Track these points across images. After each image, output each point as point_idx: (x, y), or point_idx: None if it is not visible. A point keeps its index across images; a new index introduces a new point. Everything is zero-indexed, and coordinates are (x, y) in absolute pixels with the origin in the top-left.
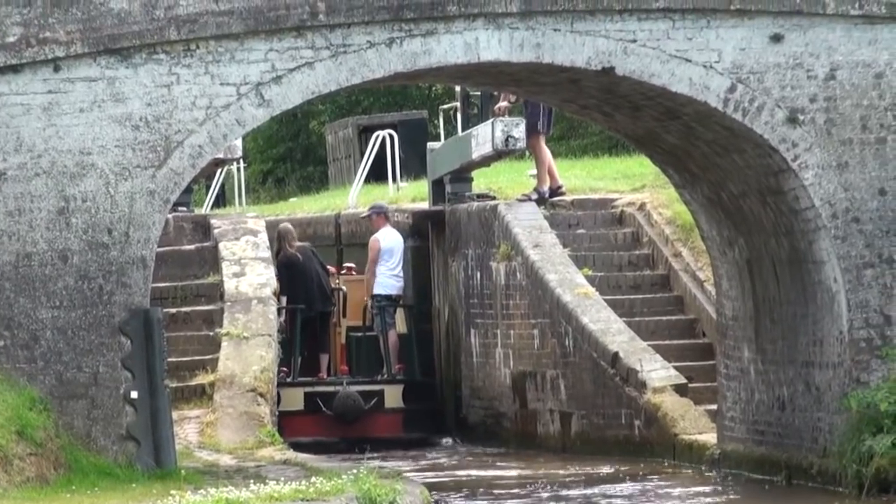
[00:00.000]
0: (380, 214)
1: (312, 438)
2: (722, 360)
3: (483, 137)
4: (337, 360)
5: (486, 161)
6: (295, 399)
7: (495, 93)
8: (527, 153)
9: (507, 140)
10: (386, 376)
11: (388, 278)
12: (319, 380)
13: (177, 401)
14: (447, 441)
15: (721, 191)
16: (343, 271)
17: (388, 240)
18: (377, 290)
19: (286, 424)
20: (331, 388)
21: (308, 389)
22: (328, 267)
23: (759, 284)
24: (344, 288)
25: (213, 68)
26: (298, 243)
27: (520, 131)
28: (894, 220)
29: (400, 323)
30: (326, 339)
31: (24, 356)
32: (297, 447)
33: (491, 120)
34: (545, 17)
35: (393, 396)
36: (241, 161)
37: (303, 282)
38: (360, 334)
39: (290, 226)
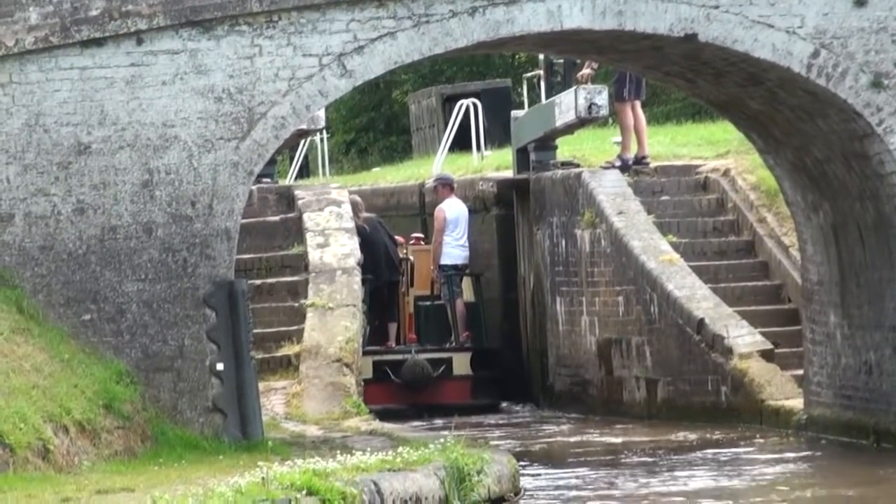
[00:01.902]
0: (445, 185)
1: (381, 406)
2: (808, 325)
3: (566, 105)
4: (405, 328)
5: (569, 129)
6: (364, 367)
7: (578, 60)
8: (610, 120)
9: (589, 107)
10: (454, 344)
11: (454, 248)
12: (388, 348)
13: (263, 372)
14: (520, 407)
15: (805, 156)
16: (411, 241)
17: (453, 210)
18: (444, 260)
19: None
20: (399, 357)
21: (377, 358)
22: (396, 237)
23: (844, 249)
24: (412, 258)
25: (295, 39)
26: (366, 214)
27: (602, 98)
28: None
29: (467, 291)
30: (395, 308)
31: (110, 329)
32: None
33: (574, 87)
34: None
35: (461, 364)
36: (325, 132)
37: (371, 252)
38: (427, 303)
39: (357, 197)
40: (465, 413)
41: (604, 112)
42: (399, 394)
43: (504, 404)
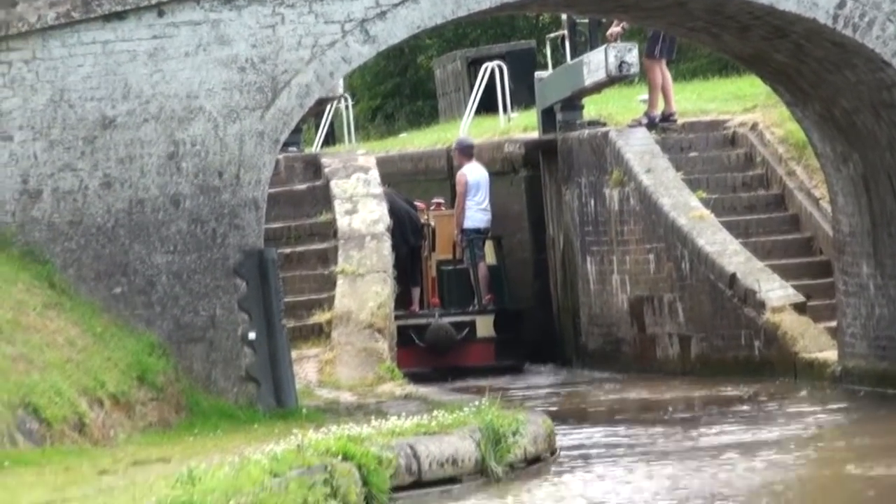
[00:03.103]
0: (461, 153)
1: (406, 370)
2: (840, 276)
3: (596, 64)
4: (428, 293)
5: (598, 87)
6: None
7: (603, 20)
8: (636, 78)
9: (620, 66)
10: (477, 307)
11: (477, 212)
12: (412, 313)
13: (295, 340)
14: (545, 367)
15: (833, 107)
16: (432, 207)
17: (475, 174)
18: (467, 224)
19: None
20: (423, 321)
21: (401, 322)
22: (417, 203)
23: (875, 199)
24: (433, 223)
25: (316, 7)
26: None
27: (633, 56)
28: None
29: (489, 255)
30: (417, 272)
31: (141, 302)
32: None
33: (604, 46)
34: None
35: (484, 326)
36: (346, 99)
37: (395, 219)
38: (450, 267)
39: None
40: (489, 374)
41: (634, 70)
42: (424, 357)
43: (532, 365)
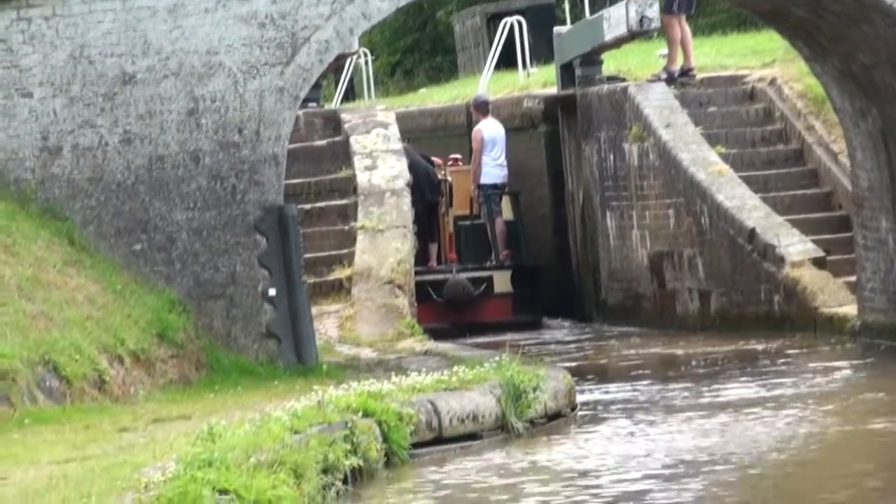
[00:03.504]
0: (477, 109)
1: (424, 325)
2: (859, 231)
3: (616, 19)
4: (446, 248)
5: (618, 42)
6: None
7: None
8: (655, 34)
9: (641, 20)
10: (494, 262)
11: (493, 168)
12: (429, 268)
13: (315, 296)
14: (566, 322)
15: (852, 62)
16: (449, 163)
17: (491, 130)
18: (483, 180)
19: None
20: (441, 276)
21: (418, 278)
22: (434, 159)
23: (894, 154)
24: (450, 178)
25: None
26: None
27: (654, 11)
28: None
29: (506, 210)
30: (435, 228)
31: (161, 259)
32: None
33: (624, 1)
34: None
35: (502, 281)
36: (366, 54)
37: (412, 174)
38: (467, 223)
39: None
40: (507, 330)
41: (655, 24)
42: (441, 313)
43: (551, 320)
